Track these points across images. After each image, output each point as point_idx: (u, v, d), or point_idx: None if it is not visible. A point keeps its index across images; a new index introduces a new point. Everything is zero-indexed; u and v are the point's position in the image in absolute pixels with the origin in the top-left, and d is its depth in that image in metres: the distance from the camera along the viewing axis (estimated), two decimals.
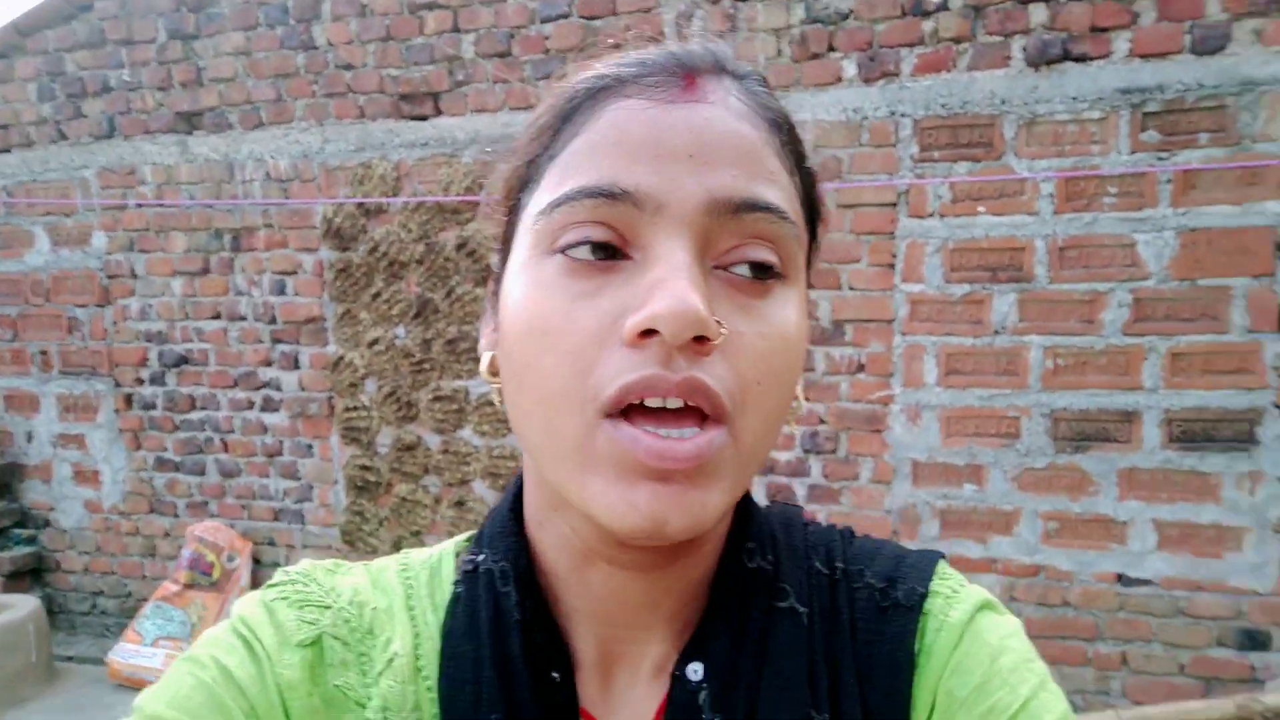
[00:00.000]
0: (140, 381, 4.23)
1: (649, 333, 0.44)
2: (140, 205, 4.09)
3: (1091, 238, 2.98)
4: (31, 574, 4.54)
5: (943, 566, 0.59)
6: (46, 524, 4.50)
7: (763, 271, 0.48)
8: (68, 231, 4.24)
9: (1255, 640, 2.97)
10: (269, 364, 4.02)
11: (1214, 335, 2.90)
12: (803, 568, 0.58)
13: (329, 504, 4.01)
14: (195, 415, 4.16)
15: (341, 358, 3.89)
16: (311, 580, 0.56)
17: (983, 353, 3.12)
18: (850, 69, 3.16)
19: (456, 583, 0.57)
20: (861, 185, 3.16)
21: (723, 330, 0.45)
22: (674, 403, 0.45)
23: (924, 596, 0.57)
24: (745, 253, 0.48)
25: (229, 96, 3.92)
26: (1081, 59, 2.93)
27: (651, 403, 0.45)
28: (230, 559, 4.06)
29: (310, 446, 4.01)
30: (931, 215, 3.11)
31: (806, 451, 3.33)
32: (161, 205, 4.06)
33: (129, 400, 4.25)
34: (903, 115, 3.12)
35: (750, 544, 0.57)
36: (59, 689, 3.92)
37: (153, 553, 4.32)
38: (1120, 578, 3.07)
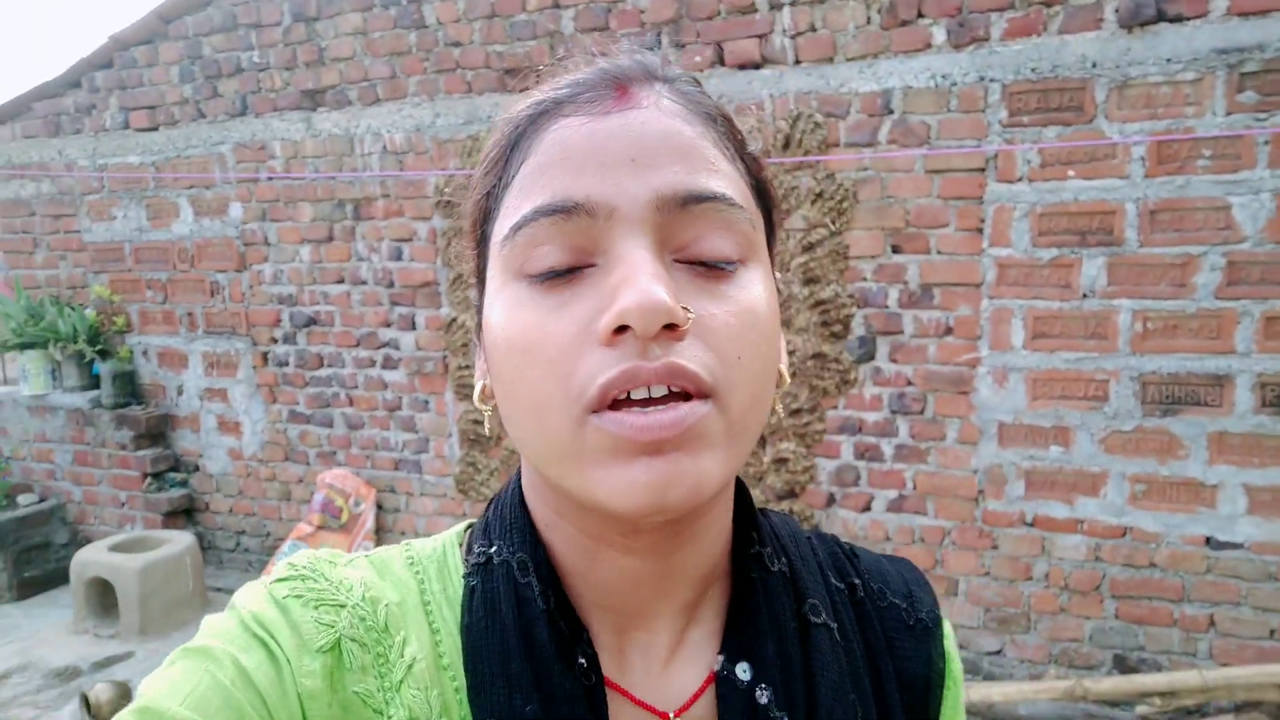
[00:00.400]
0: (274, 341, 4.61)
1: (622, 329, 0.46)
2: (270, 178, 4.44)
3: (1184, 201, 2.96)
4: (185, 514, 5.04)
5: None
6: (196, 469, 4.99)
7: (723, 261, 0.51)
8: (208, 203, 4.64)
9: None
10: (388, 325, 4.33)
11: None
12: (820, 581, 0.62)
13: (444, 455, 4.32)
14: (323, 372, 4.53)
15: (454, 319, 4.17)
16: (320, 575, 0.55)
17: (1070, 316, 3.14)
18: (940, 35, 3.18)
19: (468, 575, 0.57)
20: (949, 151, 3.20)
21: (690, 314, 0.48)
22: (658, 390, 0.47)
23: (940, 619, 0.65)
24: (703, 245, 0.50)
25: (348, 75, 4.19)
26: (1176, 19, 2.89)
27: (637, 393, 0.47)
28: (356, 504, 4.43)
29: (427, 402, 4.32)
30: (1020, 180, 3.14)
31: (894, 412, 3.43)
32: (289, 178, 4.39)
33: (265, 358, 4.65)
34: (992, 80, 3.13)
35: (764, 547, 0.60)
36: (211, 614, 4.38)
37: (288, 497, 4.74)
38: (1209, 541, 3.08)
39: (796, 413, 3.56)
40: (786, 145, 3.41)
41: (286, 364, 4.61)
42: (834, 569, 0.64)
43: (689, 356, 0.47)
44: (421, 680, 0.53)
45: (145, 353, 4.97)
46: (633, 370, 0.46)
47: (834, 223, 3.38)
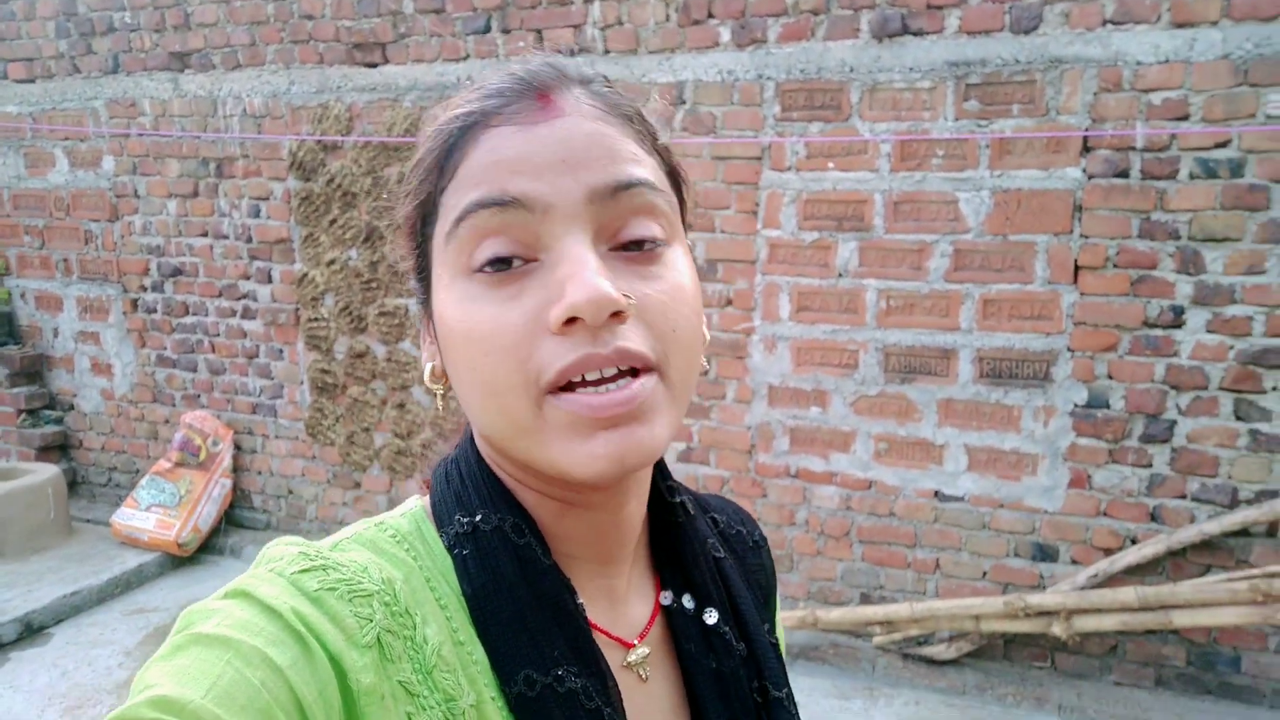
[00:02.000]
0: (144, 289, 4.89)
1: (571, 320, 0.51)
2: (140, 135, 4.69)
3: (921, 194, 3.37)
4: (60, 449, 5.31)
5: None
6: (71, 408, 5.26)
7: (650, 243, 0.56)
8: (82, 155, 4.88)
9: (1045, 553, 3.42)
10: (247, 278, 4.63)
11: (1020, 285, 3.30)
12: (704, 519, 0.73)
13: (296, 401, 4.65)
14: (188, 320, 4.82)
15: (306, 274, 4.48)
16: (336, 564, 0.54)
17: (828, 293, 3.55)
18: (725, 35, 3.55)
19: (453, 547, 0.59)
20: (731, 141, 3.58)
21: (631, 301, 0.53)
22: (609, 371, 0.53)
23: (764, 537, 0.79)
24: (631, 230, 0.55)
25: (212, 40, 4.46)
26: (918, 33, 3.29)
27: (590, 375, 0.53)
28: (215, 444, 4.74)
29: (281, 351, 4.63)
30: (789, 169, 3.53)
31: None
32: (158, 135, 4.65)
33: (135, 304, 4.93)
34: (767, 79, 3.51)
35: (680, 497, 0.69)
36: (73, 543, 4.69)
37: (155, 436, 5.04)
38: (937, 494, 3.53)
39: None
40: None
41: (155, 311, 4.89)
42: (700, 507, 0.73)
43: (633, 338, 0.53)
44: (448, 660, 0.54)
45: (23, 295, 5.22)
46: (588, 357, 0.52)
47: None
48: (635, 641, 0.63)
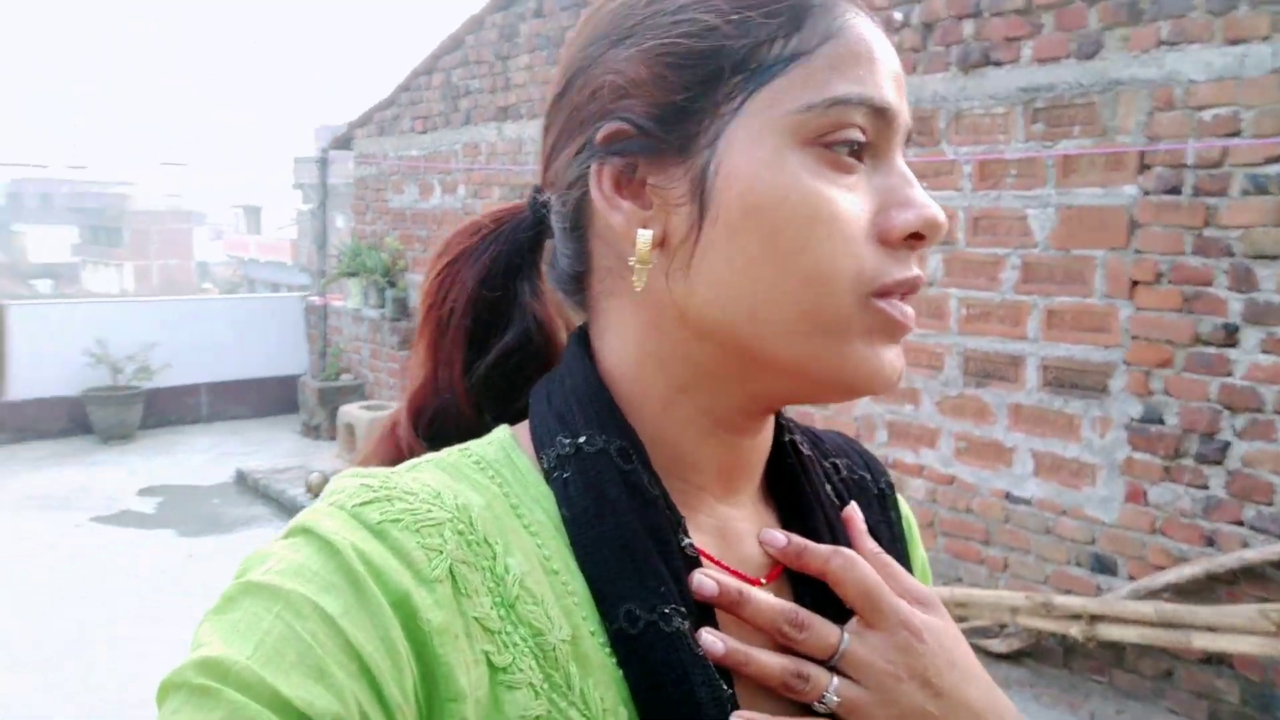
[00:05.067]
0: None
1: (914, 235, 0.51)
2: (479, 168, 6.35)
3: (996, 210, 3.63)
4: None
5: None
6: None
7: None
8: (448, 184, 6.69)
9: (1102, 565, 3.45)
10: None
11: (1080, 298, 3.42)
12: (820, 468, 0.64)
13: None
14: None
15: None
16: (403, 492, 0.48)
17: (919, 299, 3.91)
18: None
19: (552, 469, 0.53)
20: None
21: None
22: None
23: (893, 483, 0.71)
24: None
25: (521, 96, 5.94)
26: (997, 63, 3.58)
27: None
28: None
29: None
30: None
31: None
32: (488, 168, 6.26)
33: None
34: None
35: (795, 434, 0.63)
36: None
37: None
38: (1007, 495, 3.71)
39: None
40: None
41: None
42: (816, 447, 0.66)
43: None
44: (535, 592, 0.48)
45: (415, 286, 7.20)
46: (916, 280, 0.52)
47: None
48: (763, 580, 0.56)
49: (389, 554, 0.44)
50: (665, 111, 0.51)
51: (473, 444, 0.56)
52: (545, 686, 0.46)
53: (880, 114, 0.51)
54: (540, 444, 0.54)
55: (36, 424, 7.59)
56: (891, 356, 0.52)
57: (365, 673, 0.41)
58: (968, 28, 3.66)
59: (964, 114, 3.70)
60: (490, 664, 0.45)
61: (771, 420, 0.60)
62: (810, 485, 0.61)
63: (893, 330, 0.51)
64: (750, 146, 0.50)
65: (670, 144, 0.52)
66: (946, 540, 3.93)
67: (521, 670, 0.46)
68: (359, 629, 0.42)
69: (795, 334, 0.50)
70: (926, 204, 0.51)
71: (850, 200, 0.50)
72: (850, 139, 0.50)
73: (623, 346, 0.56)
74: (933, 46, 3.78)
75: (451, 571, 0.45)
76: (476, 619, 0.45)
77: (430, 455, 0.54)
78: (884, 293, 0.50)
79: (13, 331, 7.48)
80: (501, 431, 0.57)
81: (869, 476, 0.68)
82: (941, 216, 0.51)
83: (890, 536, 0.66)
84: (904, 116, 0.53)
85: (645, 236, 0.52)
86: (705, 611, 0.51)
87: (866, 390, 0.52)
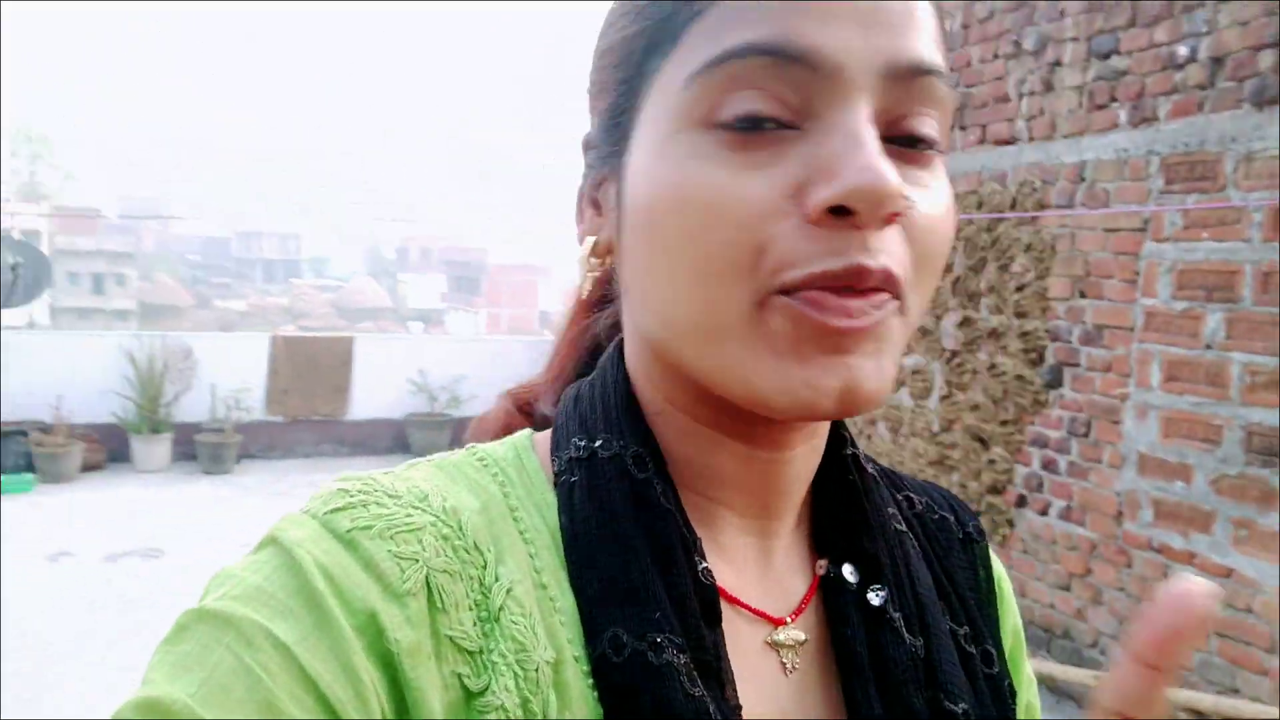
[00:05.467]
0: None
1: (839, 211, 0.39)
2: None
3: None
4: None
5: None
6: None
7: (926, 144, 0.43)
8: None
9: None
10: None
11: None
12: (887, 493, 0.57)
13: None
14: None
15: None
16: (381, 494, 0.43)
17: (1195, 363, 3.46)
18: (1123, 116, 3.77)
19: (561, 473, 0.48)
20: (1118, 212, 3.76)
21: (911, 203, 0.41)
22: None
23: (983, 531, 0.60)
24: (912, 123, 0.43)
25: None
26: None
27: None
28: None
29: None
30: (1166, 239, 3.57)
31: (1069, 433, 4.02)
32: None
33: None
34: (1154, 154, 3.63)
35: (856, 448, 0.54)
36: None
37: None
38: None
39: (1005, 423, 4.33)
40: (1012, 205, 4.26)
41: None
42: (887, 481, 0.58)
43: (897, 259, 0.41)
44: (523, 603, 0.43)
45: None
46: (858, 270, 0.40)
47: (1036, 268, 4.13)
48: (789, 619, 0.49)
49: (356, 566, 0.40)
50: (607, 114, 0.48)
51: (484, 445, 0.52)
52: (520, 715, 0.41)
53: (800, 63, 0.40)
54: (556, 446, 0.50)
55: (369, 441, 8.75)
56: (813, 373, 0.41)
57: (322, 703, 0.37)
58: (1265, 59, 3.24)
59: (1255, 156, 3.27)
60: (464, 688, 0.41)
61: (815, 434, 0.50)
62: (871, 505, 0.53)
63: (819, 335, 0.40)
64: (646, 138, 0.45)
65: (614, 147, 0.48)
66: (1220, 642, 3.39)
67: (497, 693, 0.41)
68: (315, 657, 0.38)
69: (698, 342, 0.44)
70: (864, 168, 0.39)
71: (749, 180, 0.41)
72: (750, 114, 0.40)
73: (629, 353, 0.52)
74: (1223, 82, 3.39)
75: (428, 582, 0.41)
76: (451, 638, 0.41)
77: (437, 455, 0.51)
78: (795, 287, 0.40)
79: (357, 360, 8.71)
80: (522, 432, 0.54)
81: (952, 519, 0.60)
82: (881, 181, 0.38)
83: (974, 587, 0.57)
84: (857, 60, 0.40)
85: (587, 243, 0.51)
86: (714, 648, 0.44)
87: (790, 412, 0.42)
